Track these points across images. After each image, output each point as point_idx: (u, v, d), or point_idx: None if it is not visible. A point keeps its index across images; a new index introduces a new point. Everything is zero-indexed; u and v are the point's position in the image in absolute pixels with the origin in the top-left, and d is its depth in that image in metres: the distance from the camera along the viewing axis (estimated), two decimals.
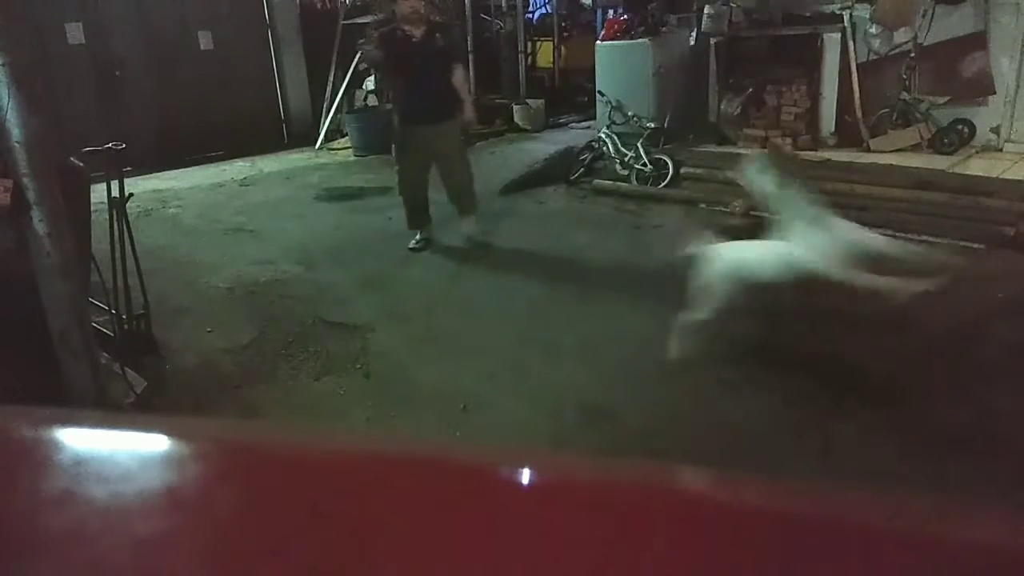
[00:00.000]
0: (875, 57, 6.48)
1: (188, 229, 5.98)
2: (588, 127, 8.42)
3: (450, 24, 6.39)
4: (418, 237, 5.22)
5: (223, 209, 6.56)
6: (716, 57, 7.38)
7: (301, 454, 0.58)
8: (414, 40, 4.75)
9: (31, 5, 7.16)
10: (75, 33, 7.73)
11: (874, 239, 3.10)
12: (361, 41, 7.80)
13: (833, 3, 6.65)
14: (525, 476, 0.53)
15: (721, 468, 0.54)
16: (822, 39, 6.66)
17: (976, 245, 4.69)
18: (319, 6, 9.66)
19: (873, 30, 6.35)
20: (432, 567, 0.43)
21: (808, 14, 6.86)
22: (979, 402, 2.90)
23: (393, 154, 5.61)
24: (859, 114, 6.50)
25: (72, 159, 3.13)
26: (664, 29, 7.93)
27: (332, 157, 8.67)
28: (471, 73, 9.31)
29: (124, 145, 3.30)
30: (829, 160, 6.27)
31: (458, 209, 5.20)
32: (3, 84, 2.39)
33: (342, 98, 9.06)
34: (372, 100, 9.19)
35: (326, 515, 0.47)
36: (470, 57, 9.27)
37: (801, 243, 2.96)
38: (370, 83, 9.21)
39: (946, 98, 6.31)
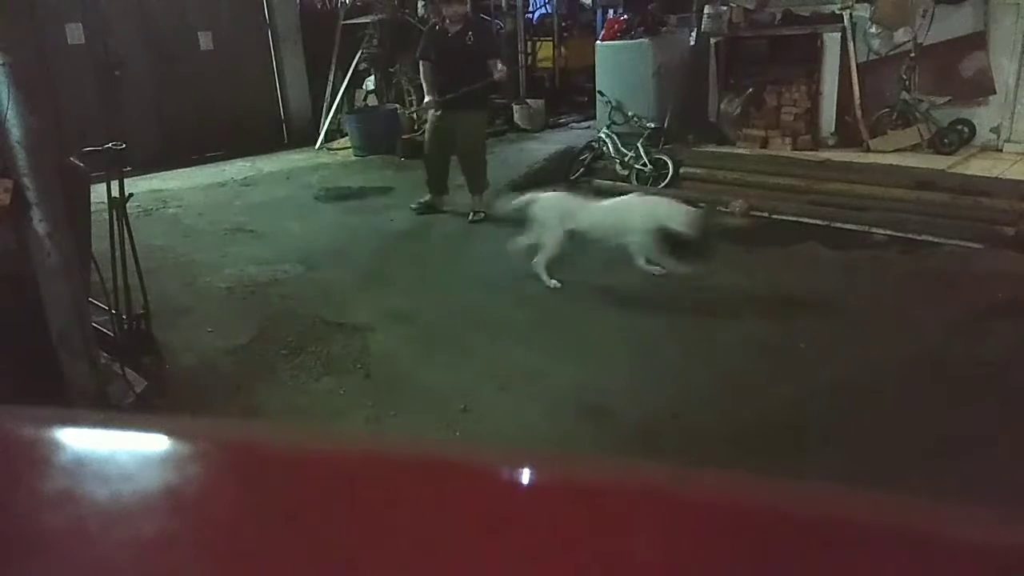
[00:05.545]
0: (875, 57, 6.48)
1: (188, 229, 5.98)
2: (588, 127, 8.42)
3: (481, 20, 6.58)
4: (423, 199, 6.02)
5: (223, 209, 6.55)
6: (716, 57, 7.38)
7: (301, 454, 0.58)
8: (449, 35, 5.56)
9: (31, 5, 7.15)
10: (75, 33, 7.71)
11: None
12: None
13: (833, 3, 6.64)
14: (525, 476, 0.53)
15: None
16: (822, 39, 6.66)
17: (976, 245, 4.69)
18: (319, 6, 9.65)
19: (873, 30, 6.35)
20: (432, 567, 0.43)
21: (808, 14, 6.86)
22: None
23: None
24: (859, 114, 6.50)
25: (72, 159, 3.12)
26: (664, 29, 7.93)
27: (332, 157, 8.66)
28: None
29: (124, 145, 3.29)
30: (829, 160, 6.27)
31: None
32: (3, 84, 2.39)
33: (342, 98, 9.05)
34: (372, 100, 9.18)
35: (326, 515, 0.47)
36: None
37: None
38: (370, 83, 9.20)
39: (946, 98, 6.31)
